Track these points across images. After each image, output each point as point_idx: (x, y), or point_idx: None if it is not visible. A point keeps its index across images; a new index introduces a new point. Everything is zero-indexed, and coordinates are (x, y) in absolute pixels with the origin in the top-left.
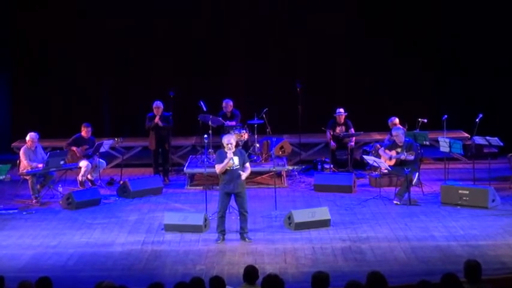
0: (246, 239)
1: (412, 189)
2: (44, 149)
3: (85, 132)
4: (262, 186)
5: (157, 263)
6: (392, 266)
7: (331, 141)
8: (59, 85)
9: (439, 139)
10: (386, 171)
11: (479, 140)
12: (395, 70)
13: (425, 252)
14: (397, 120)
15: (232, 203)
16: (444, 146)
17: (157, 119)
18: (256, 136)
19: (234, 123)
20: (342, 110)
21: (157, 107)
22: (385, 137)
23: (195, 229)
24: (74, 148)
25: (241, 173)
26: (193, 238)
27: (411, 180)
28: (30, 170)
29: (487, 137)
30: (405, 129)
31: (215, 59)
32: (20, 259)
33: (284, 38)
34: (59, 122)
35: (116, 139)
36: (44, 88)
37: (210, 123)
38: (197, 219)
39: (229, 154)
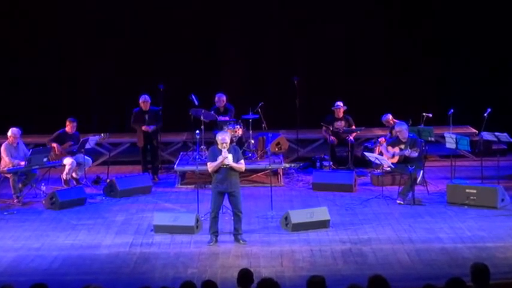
0: (241, 241)
1: (416, 188)
2: (27, 145)
3: (69, 127)
4: (258, 185)
5: (146, 267)
6: (396, 270)
7: (331, 136)
8: (43, 78)
9: (445, 135)
10: (389, 169)
11: (487, 135)
12: (398, 62)
13: (430, 255)
14: (390, 117)
15: (226, 202)
16: (450, 142)
17: (145, 128)
18: (251, 132)
19: (227, 118)
20: (340, 103)
21: (145, 101)
22: (387, 132)
23: (186, 230)
24: (55, 145)
25: (231, 162)
26: (185, 240)
27: (415, 179)
28: (11, 167)
29: (496, 133)
30: (409, 125)
31: (208, 51)
32: (0, 262)
33: (281, 28)
34: (42, 117)
35: (103, 135)
36: (26, 81)
37: (202, 118)
38: (188, 220)
39: (224, 153)
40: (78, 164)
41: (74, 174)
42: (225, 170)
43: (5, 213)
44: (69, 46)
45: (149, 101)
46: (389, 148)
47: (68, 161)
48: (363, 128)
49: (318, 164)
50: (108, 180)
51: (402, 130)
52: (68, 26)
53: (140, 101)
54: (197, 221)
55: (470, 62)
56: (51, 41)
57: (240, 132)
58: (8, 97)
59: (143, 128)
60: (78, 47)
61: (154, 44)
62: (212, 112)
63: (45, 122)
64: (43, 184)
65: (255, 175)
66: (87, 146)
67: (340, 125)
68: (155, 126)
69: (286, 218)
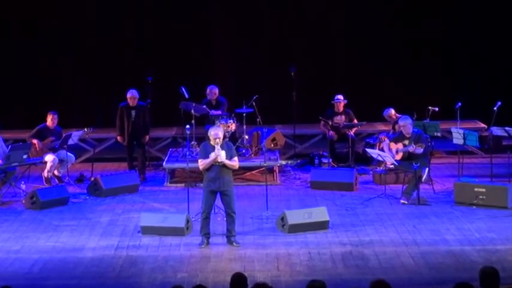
0: (234, 243)
1: (421, 186)
2: (5, 141)
3: (51, 121)
4: (252, 183)
5: (133, 271)
6: (399, 274)
7: (330, 131)
8: (22, 69)
9: (452, 130)
10: (392, 166)
11: (497, 131)
12: (402, 52)
13: (437, 258)
14: (393, 112)
15: (218, 202)
16: (458, 137)
17: (120, 139)
18: (245, 127)
19: (219, 112)
20: (341, 96)
21: (133, 97)
22: (390, 127)
23: (175, 232)
24: (35, 141)
25: (224, 159)
26: (174, 242)
27: (420, 177)
28: None
29: (506, 128)
30: (413, 119)
31: (199, 40)
32: None
33: (277, 16)
34: (22, 111)
35: (86, 130)
36: (5, 72)
37: (192, 112)
38: (178, 221)
39: (217, 150)
40: (61, 161)
41: (55, 172)
42: (217, 168)
43: None
44: (50, 36)
45: (137, 96)
46: (392, 145)
47: (49, 157)
48: (364, 122)
49: (316, 161)
50: (92, 179)
51: (406, 125)
52: (51, 17)
53: (128, 96)
54: (187, 221)
55: (479, 52)
56: (32, 32)
57: (233, 127)
58: None
59: (118, 139)
60: (60, 37)
61: (142, 33)
62: (203, 106)
63: (25, 116)
64: (23, 182)
65: (249, 173)
66: (70, 141)
67: (340, 119)
68: (145, 129)
69: (282, 219)
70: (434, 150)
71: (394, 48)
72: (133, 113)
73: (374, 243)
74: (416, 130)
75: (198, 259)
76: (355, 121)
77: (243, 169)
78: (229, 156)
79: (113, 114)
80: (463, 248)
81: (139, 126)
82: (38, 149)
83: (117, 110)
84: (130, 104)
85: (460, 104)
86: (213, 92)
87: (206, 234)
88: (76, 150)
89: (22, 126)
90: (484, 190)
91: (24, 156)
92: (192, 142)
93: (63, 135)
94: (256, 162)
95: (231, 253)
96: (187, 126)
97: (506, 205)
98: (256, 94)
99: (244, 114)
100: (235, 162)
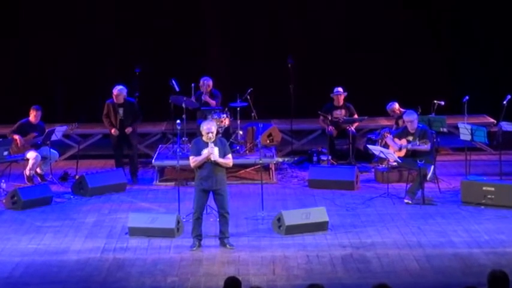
0: (227, 246)
1: (426, 185)
2: None
3: (33, 116)
4: (247, 181)
5: (120, 274)
6: (403, 278)
7: (329, 126)
8: (3, 61)
9: (459, 125)
10: (395, 163)
11: (507, 126)
12: (406, 43)
13: (443, 261)
14: (396, 106)
15: (211, 202)
16: (465, 133)
17: (114, 131)
18: (239, 122)
19: (213, 102)
20: (340, 89)
21: (119, 94)
22: (393, 123)
23: (165, 233)
24: (16, 137)
25: (217, 158)
26: (164, 244)
27: (425, 175)
28: None
29: None
30: (418, 113)
31: (190, 29)
32: None
33: (274, 4)
34: (2, 105)
35: (71, 125)
36: None
37: (183, 106)
38: (168, 222)
39: (211, 149)
40: (43, 158)
41: (38, 170)
42: (210, 166)
43: None
44: (32, 27)
45: (124, 93)
46: (396, 140)
47: (31, 154)
48: (365, 117)
49: (314, 158)
50: (77, 177)
51: (413, 120)
52: (33, 10)
53: (114, 93)
54: (178, 222)
55: (488, 42)
56: (12, 24)
57: (226, 122)
58: None
59: (112, 132)
60: (42, 28)
61: (130, 21)
62: (193, 98)
63: (6, 110)
64: (3, 181)
65: (243, 171)
66: (54, 137)
67: (340, 113)
68: (132, 125)
69: (278, 220)
70: (440, 146)
71: (397, 39)
72: (120, 111)
73: (376, 245)
74: (421, 125)
75: (189, 262)
76: (356, 116)
77: (237, 167)
78: (223, 154)
79: (98, 108)
80: (470, 250)
81: (128, 125)
82: (19, 145)
83: (101, 107)
84: (116, 102)
85: (467, 97)
86: (206, 84)
87: (198, 235)
88: (60, 146)
89: (3, 121)
90: (492, 189)
91: (5, 153)
92: (183, 138)
93: (46, 130)
94: (251, 159)
95: (224, 256)
96: (178, 121)
97: None
98: (251, 87)
99: (238, 109)
100: (229, 160)
